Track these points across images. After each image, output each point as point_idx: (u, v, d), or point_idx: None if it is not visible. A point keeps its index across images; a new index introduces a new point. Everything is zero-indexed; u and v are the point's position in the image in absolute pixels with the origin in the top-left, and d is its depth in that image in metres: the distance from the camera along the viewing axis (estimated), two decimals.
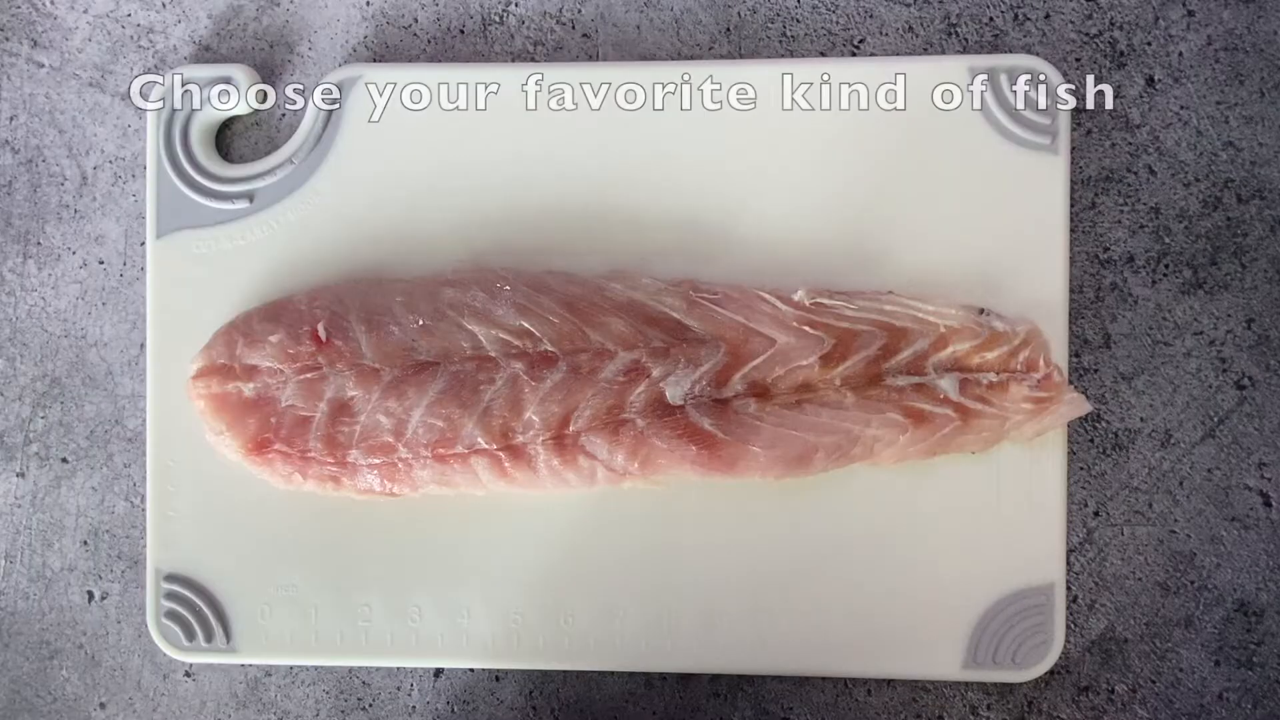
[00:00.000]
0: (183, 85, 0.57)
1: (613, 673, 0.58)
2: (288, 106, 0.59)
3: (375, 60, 0.58)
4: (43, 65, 0.60)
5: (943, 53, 0.57)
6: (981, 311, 0.54)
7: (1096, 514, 0.56)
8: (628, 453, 0.53)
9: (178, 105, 0.56)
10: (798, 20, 0.57)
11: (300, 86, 0.59)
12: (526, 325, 0.53)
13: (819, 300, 0.53)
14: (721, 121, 0.55)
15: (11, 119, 0.60)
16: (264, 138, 0.59)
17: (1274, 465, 0.56)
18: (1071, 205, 0.55)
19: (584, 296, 0.54)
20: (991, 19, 0.57)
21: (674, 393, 0.53)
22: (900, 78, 0.55)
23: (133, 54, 0.60)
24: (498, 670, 0.58)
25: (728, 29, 0.58)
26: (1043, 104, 0.54)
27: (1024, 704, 0.57)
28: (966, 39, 0.57)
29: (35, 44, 0.60)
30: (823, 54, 0.57)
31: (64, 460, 0.60)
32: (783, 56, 0.57)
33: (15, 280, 0.60)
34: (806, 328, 0.53)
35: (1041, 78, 0.54)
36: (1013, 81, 0.54)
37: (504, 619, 0.55)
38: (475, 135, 0.56)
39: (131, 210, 0.60)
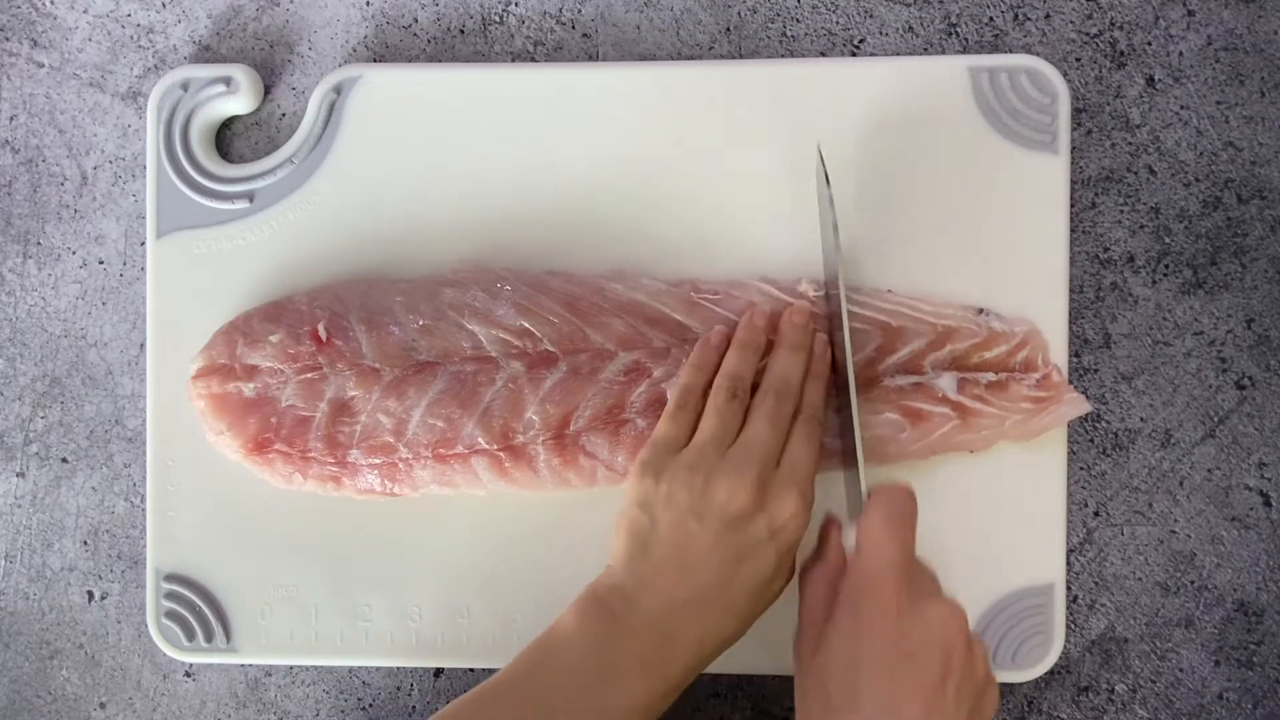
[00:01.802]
0: (183, 85, 0.57)
1: None
2: (287, 106, 0.59)
3: (375, 60, 0.58)
4: (43, 65, 0.60)
5: (943, 53, 0.57)
6: (980, 311, 0.54)
7: (1096, 514, 0.56)
8: (629, 453, 0.53)
9: (178, 105, 0.56)
10: (798, 20, 0.57)
11: (300, 87, 0.59)
12: (526, 325, 0.53)
13: (821, 293, 0.53)
14: (721, 121, 0.55)
15: (11, 119, 0.60)
16: (264, 138, 0.59)
17: (1274, 465, 0.56)
18: (1071, 205, 0.55)
19: (584, 297, 0.54)
20: (991, 19, 0.57)
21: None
22: (900, 78, 0.55)
23: (133, 54, 0.60)
24: (498, 670, 0.58)
25: (728, 29, 0.58)
26: (1043, 104, 0.54)
27: (1024, 704, 0.57)
28: (966, 39, 0.57)
29: (35, 44, 0.60)
30: (823, 54, 0.57)
31: (64, 460, 0.60)
32: (783, 56, 0.57)
33: (15, 280, 0.60)
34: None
35: (1041, 78, 0.54)
36: (1013, 81, 0.54)
37: (504, 619, 0.55)
38: (475, 135, 0.56)
39: (131, 210, 0.60)
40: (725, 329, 0.53)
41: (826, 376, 0.52)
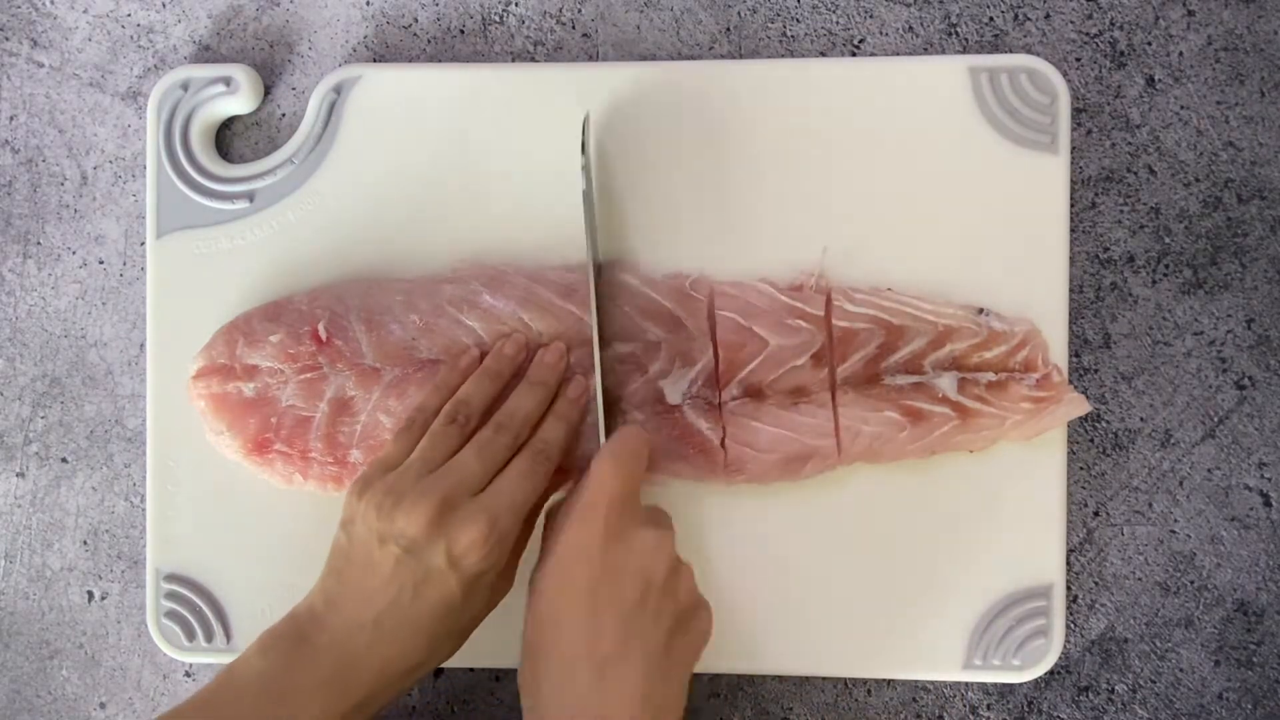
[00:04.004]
0: (183, 85, 0.57)
1: None
2: (287, 107, 0.59)
3: (375, 60, 0.58)
4: (43, 65, 0.60)
5: (943, 53, 0.57)
6: (980, 310, 0.54)
7: (1096, 514, 0.56)
8: None
9: (178, 105, 0.56)
10: (798, 20, 0.57)
11: (300, 87, 0.59)
12: (525, 318, 0.53)
13: (827, 288, 0.53)
14: (721, 121, 0.55)
15: (11, 119, 0.60)
16: (264, 138, 0.59)
17: (1274, 465, 0.56)
18: (1071, 205, 0.55)
19: (582, 284, 0.54)
20: (991, 19, 0.57)
21: (672, 391, 0.53)
22: (900, 78, 0.55)
23: (133, 54, 0.60)
24: (498, 670, 0.58)
25: (728, 29, 0.58)
26: (1043, 104, 0.54)
27: (1024, 704, 0.57)
28: (966, 39, 0.57)
29: (35, 44, 0.60)
30: (823, 54, 0.57)
31: (64, 460, 0.60)
32: (783, 56, 0.57)
33: (15, 280, 0.60)
34: (801, 321, 0.53)
35: (1041, 78, 0.54)
36: (1013, 81, 0.54)
37: (504, 619, 0.55)
38: (475, 135, 0.56)
39: (131, 210, 0.60)
40: (477, 352, 0.53)
41: (573, 420, 0.52)
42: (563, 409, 0.52)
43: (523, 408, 0.51)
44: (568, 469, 0.53)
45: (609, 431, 0.51)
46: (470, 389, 0.51)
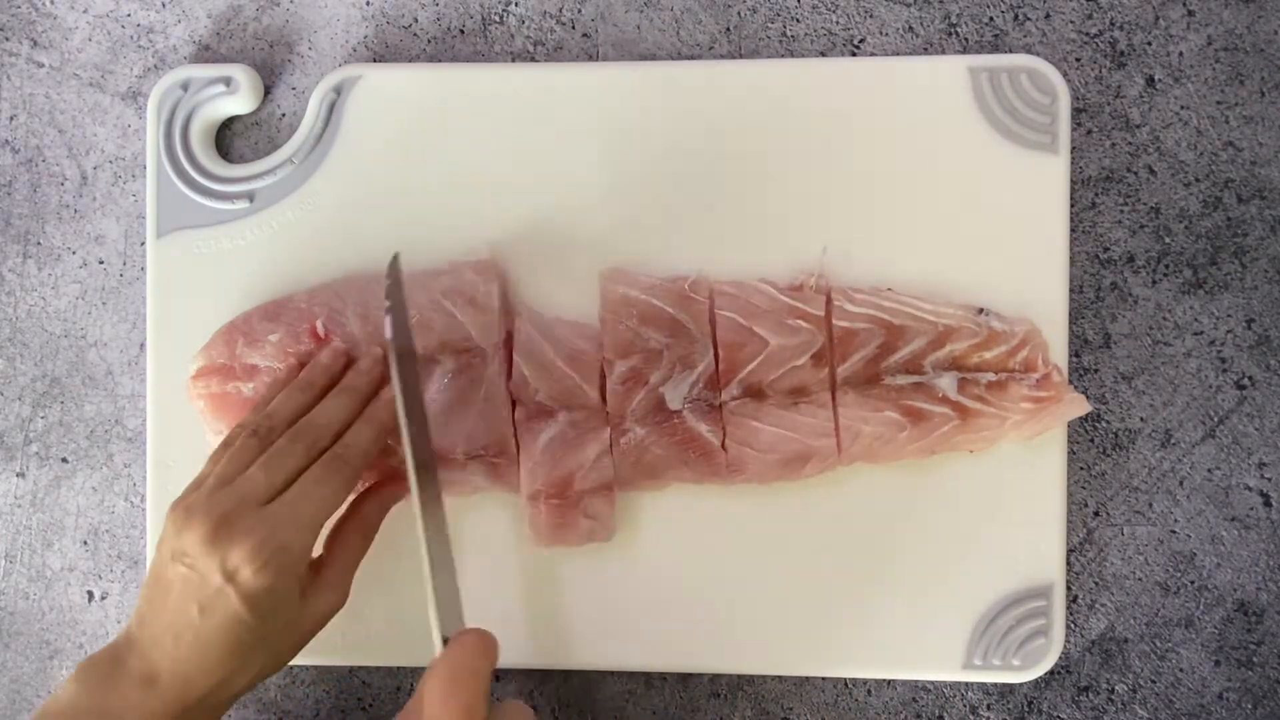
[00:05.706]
0: (183, 85, 0.57)
1: (613, 673, 0.58)
2: (287, 106, 0.59)
3: (375, 60, 0.58)
4: (43, 65, 0.60)
5: (943, 53, 0.57)
6: (980, 311, 0.54)
7: (1096, 514, 0.56)
8: (629, 464, 0.53)
9: (178, 105, 0.56)
10: (798, 20, 0.57)
11: (300, 87, 0.59)
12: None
13: (826, 288, 0.53)
14: (721, 121, 0.55)
15: (11, 119, 0.60)
16: (264, 138, 0.59)
17: (1274, 465, 0.56)
18: (1071, 205, 0.55)
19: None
20: (991, 19, 0.57)
21: (673, 396, 0.53)
22: (900, 78, 0.55)
23: (133, 54, 0.60)
24: (498, 670, 0.58)
25: (728, 29, 0.58)
26: (1043, 104, 0.54)
27: (1024, 704, 0.57)
28: (966, 39, 0.57)
29: (35, 44, 0.60)
30: (823, 54, 0.57)
31: (64, 460, 0.60)
32: (783, 56, 0.57)
33: (15, 280, 0.60)
34: (801, 321, 0.53)
35: (1041, 78, 0.54)
36: (1013, 81, 0.54)
37: (504, 619, 0.55)
38: (475, 135, 0.56)
39: (131, 210, 0.60)
40: (296, 366, 0.53)
41: (381, 422, 0.50)
42: (373, 411, 0.51)
43: (323, 415, 0.50)
44: (385, 472, 0.53)
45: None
46: (278, 402, 0.50)
